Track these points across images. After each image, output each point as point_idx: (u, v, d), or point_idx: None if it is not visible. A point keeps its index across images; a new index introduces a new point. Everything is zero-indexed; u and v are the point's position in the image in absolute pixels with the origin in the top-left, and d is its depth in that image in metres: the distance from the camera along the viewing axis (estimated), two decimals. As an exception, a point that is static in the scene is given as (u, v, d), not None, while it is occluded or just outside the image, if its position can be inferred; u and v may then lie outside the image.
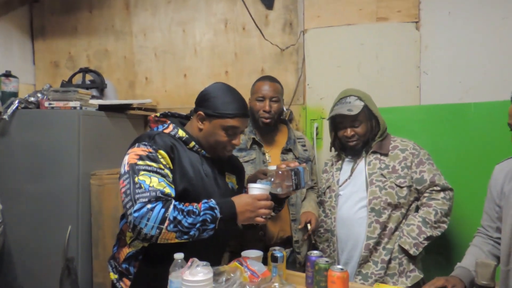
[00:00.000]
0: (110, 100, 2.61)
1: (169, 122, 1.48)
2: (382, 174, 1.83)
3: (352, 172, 1.92)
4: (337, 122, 1.91)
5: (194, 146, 1.46)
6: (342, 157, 1.99)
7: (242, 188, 1.65)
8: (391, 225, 1.81)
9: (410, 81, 2.41)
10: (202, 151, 1.47)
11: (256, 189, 1.36)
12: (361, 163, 1.90)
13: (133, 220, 1.23)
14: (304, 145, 2.14)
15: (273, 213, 1.60)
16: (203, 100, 1.46)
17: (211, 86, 1.48)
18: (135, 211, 1.22)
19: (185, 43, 2.85)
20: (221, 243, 1.53)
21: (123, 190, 1.28)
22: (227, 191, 1.52)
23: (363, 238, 1.81)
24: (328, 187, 1.99)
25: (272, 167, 1.74)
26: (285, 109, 2.15)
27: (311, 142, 2.39)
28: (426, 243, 1.78)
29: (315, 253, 1.51)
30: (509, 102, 2.08)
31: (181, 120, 1.56)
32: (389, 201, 1.81)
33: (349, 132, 1.87)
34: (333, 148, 2.03)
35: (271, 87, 2.02)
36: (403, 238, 1.79)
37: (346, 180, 1.91)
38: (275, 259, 1.24)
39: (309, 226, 1.92)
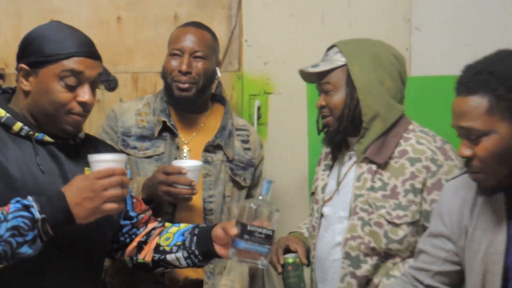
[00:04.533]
0: None
1: None
2: (368, 202, 1.74)
3: (339, 180, 1.84)
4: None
5: (21, 129, 1.45)
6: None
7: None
8: (376, 281, 1.76)
9: (396, 40, 2.38)
10: (37, 134, 1.47)
11: (98, 163, 1.36)
12: (352, 171, 1.82)
13: None
14: (246, 141, 2.12)
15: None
16: (23, 47, 1.47)
17: (37, 27, 1.50)
18: None
19: (52, -29, 2.76)
20: (84, 271, 1.51)
21: None
22: None
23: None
24: (313, 193, 1.96)
25: (186, 162, 1.83)
26: (218, 74, 2.14)
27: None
28: None
29: None
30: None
31: (11, 95, 1.57)
32: (372, 245, 1.73)
33: (318, 101, 1.83)
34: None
35: (196, 36, 2.01)
36: None
37: (333, 193, 1.85)
38: None
39: None
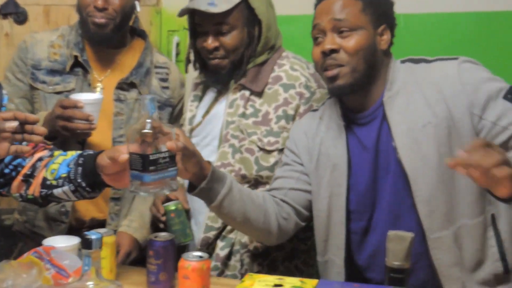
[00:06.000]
0: None
1: None
2: (240, 128, 1.78)
3: (208, 110, 1.88)
4: (196, 24, 1.82)
5: None
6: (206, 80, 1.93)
7: None
8: None
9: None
10: None
11: None
12: (223, 99, 1.86)
13: None
14: (165, 79, 2.09)
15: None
16: None
17: None
18: None
19: None
20: None
21: None
22: None
23: (201, 227, 1.81)
24: (181, 125, 1.99)
25: (83, 95, 1.77)
26: (138, 8, 2.07)
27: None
28: None
29: (162, 235, 1.54)
30: (446, 15, 2.31)
31: None
32: (243, 172, 1.77)
33: (210, 42, 1.77)
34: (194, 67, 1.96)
35: None
36: None
37: (200, 122, 1.88)
38: (87, 244, 1.17)
39: None
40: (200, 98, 1.93)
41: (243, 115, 1.78)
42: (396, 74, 1.56)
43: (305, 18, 2.32)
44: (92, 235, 1.18)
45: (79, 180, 1.47)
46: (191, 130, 1.90)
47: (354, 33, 1.50)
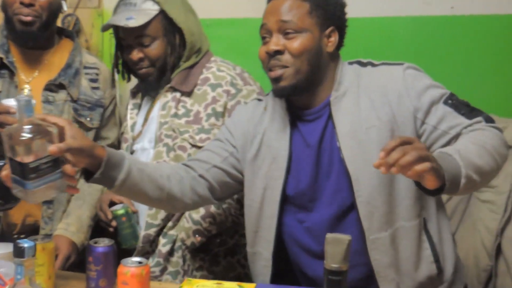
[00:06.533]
0: None
1: None
2: (172, 127, 1.86)
3: (146, 117, 1.96)
4: (120, 38, 1.91)
5: None
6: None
7: None
8: None
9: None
10: None
11: None
12: (157, 103, 1.94)
13: None
14: (95, 80, 2.08)
15: None
16: None
17: None
18: None
19: None
20: None
21: None
22: None
23: (142, 225, 1.85)
24: (122, 133, 2.04)
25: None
26: (64, 8, 2.04)
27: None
28: None
29: (102, 241, 1.52)
30: (384, 19, 2.36)
31: None
32: None
33: (135, 54, 1.87)
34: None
35: None
36: None
37: (141, 131, 1.95)
38: (20, 252, 1.15)
39: None
40: (139, 106, 2.01)
41: (176, 115, 1.86)
42: (343, 75, 1.59)
43: (248, 21, 2.37)
44: (25, 243, 1.15)
45: None
46: (134, 138, 1.96)
47: (299, 35, 1.51)
